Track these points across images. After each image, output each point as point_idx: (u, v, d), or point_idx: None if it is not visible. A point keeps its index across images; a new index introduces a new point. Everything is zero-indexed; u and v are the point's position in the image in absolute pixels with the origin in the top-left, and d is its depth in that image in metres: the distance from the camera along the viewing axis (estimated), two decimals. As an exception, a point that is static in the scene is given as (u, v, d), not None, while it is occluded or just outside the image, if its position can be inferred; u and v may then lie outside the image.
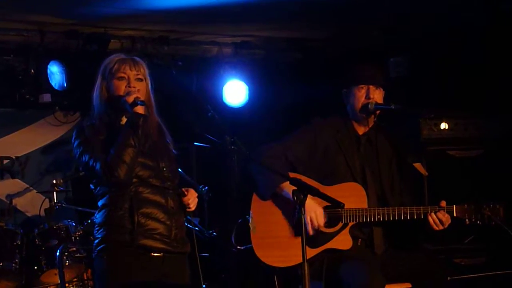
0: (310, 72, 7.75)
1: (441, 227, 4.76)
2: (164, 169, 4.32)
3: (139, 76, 4.31)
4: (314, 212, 4.72)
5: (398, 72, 7.12)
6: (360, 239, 4.89)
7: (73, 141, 4.30)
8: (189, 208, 4.39)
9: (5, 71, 7.07)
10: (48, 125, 7.72)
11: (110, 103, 4.30)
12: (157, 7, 6.39)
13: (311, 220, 4.71)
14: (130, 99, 4.20)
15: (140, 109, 4.22)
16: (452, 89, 6.75)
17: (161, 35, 7.29)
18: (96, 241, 4.25)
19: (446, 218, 4.74)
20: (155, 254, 4.22)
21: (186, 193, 4.39)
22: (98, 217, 4.28)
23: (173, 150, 4.47)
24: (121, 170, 4.12)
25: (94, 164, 4.15)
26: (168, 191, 4.32)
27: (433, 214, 4.73)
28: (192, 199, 4.40)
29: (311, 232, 4.73)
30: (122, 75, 4.28)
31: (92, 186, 4.35)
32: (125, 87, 4.26)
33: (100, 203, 4.28)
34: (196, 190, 4.47)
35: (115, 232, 4.18)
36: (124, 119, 4.29)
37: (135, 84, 4.27)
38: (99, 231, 4.23)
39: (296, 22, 6.98)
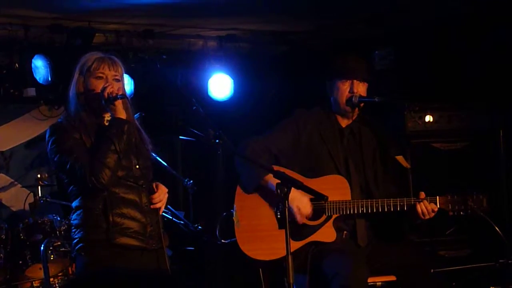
0: (295, 65, 7.75)
1: (427, 217, 4.77)
2: (138, 167, 4.32)
3: (117, 77, 4.31)
4: (300, 202, 4.72)
5: (383, 64, 7.13)
6: (344, 232, 4.90)
7: (47, 138, 4.27)
8: (154, 205, 4.38)
9: (-11, 66, 7.05)
10: (33, 120, 7.70)
11: (87, 100, 4.28)
12: (141, 1, 6.37)
13: (298, 210, 4.72)
14: (109, 93, 4.19)
15: (119, 105, 4.23)
16: (437, 81, 6.76)
17: (145, 28, 7.27)
18: (74, 241, 4.26)
19: (433, 207, 4.77)
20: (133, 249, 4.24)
21: (156, 189, 4.39)
22: (73, 218, 4.28)
23: (149, 149, 4.46)
24: (105, 175, 4.13)
25: (74, 167, 4.13)
26: (142, 188, 4.33)
27: (421, 204, 4.75)
28: (160, 197, 4.40)
29: (300, 221, 4.74)
30: (100, 74, 4.26)
31: (65, 186, 4.33)
32: (103, 86, 4.23)
33: (74, 204, 4.28)
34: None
35: (92, 232, 4.19)
36: (106, 117, 4.29)
37: (113, 83, 4.26)
38: (76, 232, 4.24)
39: (280, 15, 6.97)
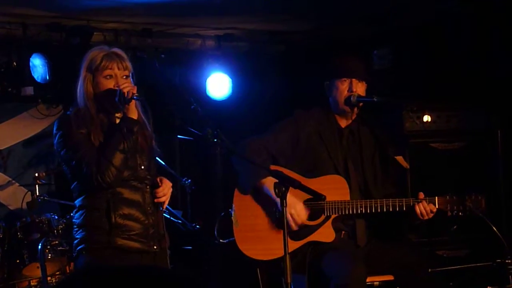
0: (294, 65, 7.76)
1: (426, 217, 4.78)
2: (143, 167, 4.31)
3: (126, 73, 4.26)
4: (294, 209, 4.72)
5: (381, 64, 7.13)
6: (343, 232, 4.91)
7: (55, 132, 4.25)
8: (158, 199, 4.36)
9: (-13, 64, 7.04)
10: (31, 118, 7.67)
11: (97, 99, 4.24)
12: (140, 0, 6.37)
13: (292, 217, 4.71)
14: (126, 93, 4.15)
15: (133, 105, 4.21)
16: (435, 81, 6.76)
17: (144, 27, 7.26)
18: (76, 241, 4.25)
19: (431, 207, 4.77)
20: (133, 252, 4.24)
21: (160, 183, 4.38)
22: (76, 218, 4.27)
23: (155, 148, 4.45)
24: (111, 174, 4.12)
25: (81, 163, 4.12)
26: (146, 189, 4.32)
27: (420, 204, 4.75)
28: (165, 191, 4.37)
29: (294, 228, 4.73)
30: (110, 73, 4.22)
31: (69, 181, 4.33)
32: (113, 86, 4.20)
33: (77, 203, 4.27)
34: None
35: (93, 233, 4.18)
36: (117, 115, 4.26)
37: (123, 81, 4.22)
38: (78, 232, 4.23)
39: (279, 15, 6.97)
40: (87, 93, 4.24)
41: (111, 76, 4.22)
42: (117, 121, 4.28)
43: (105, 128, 4.24)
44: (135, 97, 4.17)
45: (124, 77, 4.25)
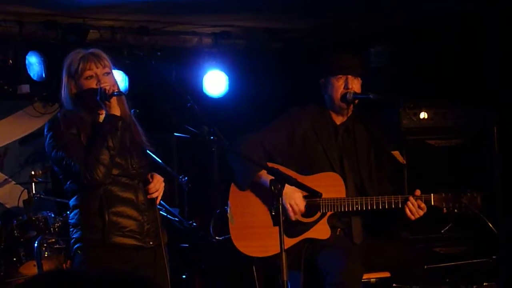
0: (291, 62, 7.75)
1: (416, 216, 4.76)
2: (134, 166, 4.31)
3: (106, 70, 4.29)
4: (293, 199, 4.72)
5: (378, 62, 7.13)
6: (339, 229, 4.90)
7: (45, 133, 4.27)
8: (151, 195, 4.35)
9: (-17, 62, 7.03)
10: (27, 116, 7.67)
11: (81, 100, 4.28)
12: (136, -3, 6.38)
13: (291, 207, 4.72)
14: (106, 90, 4.20)
15: (114, 102, 4.23)
16: (432, 79, 6.77)
17: (140, 25, 7.26)
18: (72, 241, 4.28)
19: (422, 207, 4.75)
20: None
21: (151, 180, 4.37)
22: (71, 217, 4.30)
23: (146, 145, 4.46)
24: (100, 172, 4.13)
25: (70, 163, 4.14)
26: (138, 186, 4.32)
27: (409, 203, 4.74)
28: (156, 186, 4.36)
29: (293, 218, 4.73)
30: (90, 73, 4.25)
31: (62, 181, 4.35)
32: (96, 85, 4.23)
33: (71, 203, 4.29)
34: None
35: (88, 232, 4.20)
36: (102, 114, 4.29)
37: (105, 79, 4.25)
38: (74, 232, 4.26)
39: (275, 13, 6.97)
40: (71, 97, 4.29)
41: (92, 76, 4.25)
42: (102, 119, 4.31)
43: (91, 127, 4.27)
44: (115, 93, 4.21)
45: (105, 74, 4.28)
